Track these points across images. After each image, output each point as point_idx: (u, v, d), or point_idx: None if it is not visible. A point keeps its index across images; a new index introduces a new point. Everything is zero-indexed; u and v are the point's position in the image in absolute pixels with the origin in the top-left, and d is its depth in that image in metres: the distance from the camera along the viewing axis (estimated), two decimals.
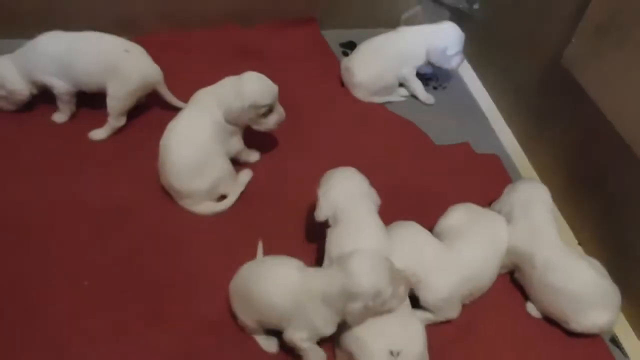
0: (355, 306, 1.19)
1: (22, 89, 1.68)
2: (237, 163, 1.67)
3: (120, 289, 1.39)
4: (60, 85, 1.68)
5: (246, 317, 1.31)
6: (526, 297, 1.52)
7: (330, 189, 1.40)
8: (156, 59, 1.79)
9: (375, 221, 1.39)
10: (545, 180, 1.84)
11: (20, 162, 1.64)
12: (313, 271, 1.27)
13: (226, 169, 1.59)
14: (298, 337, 1.25)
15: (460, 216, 1.51)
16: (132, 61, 1.69)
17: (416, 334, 1.27)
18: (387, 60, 2.00)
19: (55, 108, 1.75)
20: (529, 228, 1.47)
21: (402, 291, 1.24)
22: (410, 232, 1.44)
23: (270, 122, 1.63)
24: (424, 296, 1.39)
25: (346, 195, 1.39)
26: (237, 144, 1.64)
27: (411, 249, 1.39)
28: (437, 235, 1.50)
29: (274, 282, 1.26)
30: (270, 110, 1.60)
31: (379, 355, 1.21)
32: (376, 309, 1.22)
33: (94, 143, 1.71)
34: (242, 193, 1.63)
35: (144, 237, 1.50)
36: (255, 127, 1.63)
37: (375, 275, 1.19)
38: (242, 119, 1.58)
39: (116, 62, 1.66)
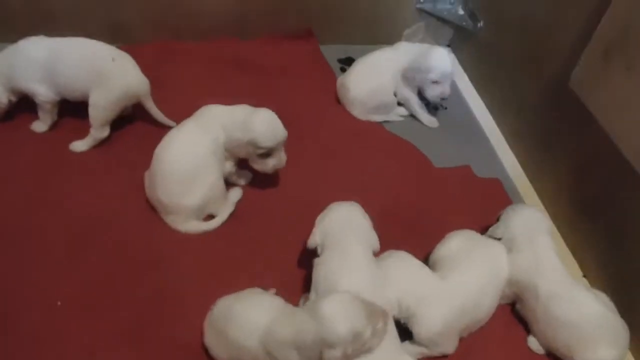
0: (335, 353, 1.12)
1: (0, 97, 1.61)
2: (227, 182, 1.61)
3: (96, 307, 1.33)
4: (43, 93, 1.62)
5: (221, 353, 1.24)
6: (528, 330, 1.45)
7: (326, 217, 1.36)
8: (148, 68, 1.75)
9: (365, 255, 1.32)
10: (548, 206, 1.79)
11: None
12: (284, 317, 1.18)
13: (218, 188, 1.53)
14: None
15: (457, 244, 1.45)
16: (118, 70, 1.62)
17: None
18: (383, 76, 1.96)
19: (35, 116, 1.69)
20: (533, 258, 1.41)
21: (381, 327, 1.17)
22: (402, 264, 1.38)
23: (267, 165, 1.58)
24: (417, 331, 1.32)
25: (341, 226, 1.34)
26: (229, 166, 1.58)
27: (403, 282, 1.33)
28: (434, 264, 1.44)
29: (243, 327, 1.19)
30: (269, 153, 1.55)
31: None
32: (356, 352, 1.14)
33: (75, 154, 1.65)
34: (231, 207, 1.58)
35: (124, 254, 1.44)
36: (251, 163, 1.58)
37: (350, 318, 1.12)
38: (239, 151, 1.54)
39: (100, 69, 1.60)
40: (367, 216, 1.40)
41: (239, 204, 1.60)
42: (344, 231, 1.33)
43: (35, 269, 1.38)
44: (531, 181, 1.90)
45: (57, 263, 1.40)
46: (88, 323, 1.30)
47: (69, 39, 1.63)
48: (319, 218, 1.37)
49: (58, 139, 1.67)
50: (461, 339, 1.38)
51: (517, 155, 1.98)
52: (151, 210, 1.54)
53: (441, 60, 1.91)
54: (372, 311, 1.16)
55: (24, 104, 1.68)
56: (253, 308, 1.22)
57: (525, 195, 1.84)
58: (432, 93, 1.95)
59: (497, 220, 1.53)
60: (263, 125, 1.50)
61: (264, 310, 1.21)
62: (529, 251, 1.42)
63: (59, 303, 1.33)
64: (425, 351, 1.33)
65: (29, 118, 1.70)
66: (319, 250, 1.33)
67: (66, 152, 1.65)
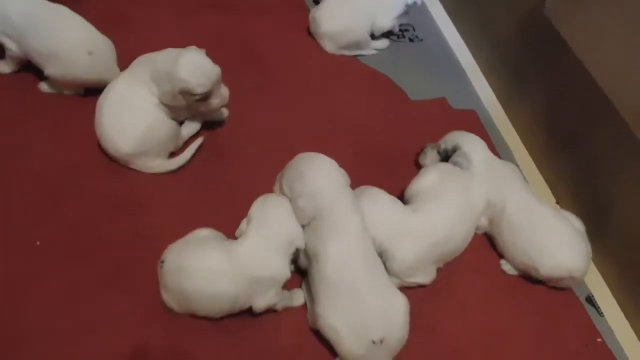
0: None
1: None
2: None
3: (73, 250, 1.33)
4: (12, 49, 1.54)
5: (183, 310, 1.26)
6: (501, 256, 1.50)
7: (307, 188, 1.27)
8: (113, 7, 1.67)
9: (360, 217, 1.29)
10: (523, 136, 1.81)
11: None
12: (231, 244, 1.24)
13: (157, 127, 1.45)
14: (267, 302, 1.24)
15: (433, 178, 1.46)
16: (89, 65, 1.53)
17: (399, 317, 1.24)
18: (356, 13, 1.89)
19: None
20: (496, 178, 1.48)
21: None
22: (373, 199, 1.39)
23: (211, 106, 1.47)
24: (390, 265, 1.34)
25: (329, 194, 1.27)
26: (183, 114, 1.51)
27: (374, 219, 1.33)
28: (410, 198, 1.45)
29: (208, 280, 1.21)
30: (207, 96, 1.44)
31: (359, 347, 1.20)
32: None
33: (41, 100, 1.58)
34: (204, 150, 1.55)
35: (97, 198, 1.43)
36: (192, 111, 1.50)
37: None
38: (174, 103, 1.43)
39: (69, 59, 1.51)
40: (332, 161, 1.34)
41: (210, 142, 1.57)
42: (334, 197, 1.27)
43: (12, 213, 1.37)
44: (507, 112, 1.91)
45: (34, 209, 1.38)
46: (67, 267, 1.30)
47: (52, 8, 1.53)
48: (292, 184, 1.30)
49: (23, 83, 1.60)
50: (439, 269, 1.42)
51: (493, 87, 1.98)
52: None
53: None
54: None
55: None
56: (203, 257, 1.23)
57: (500, 126, 1.85)
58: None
59: (448, 148, 1.55)
60: (190, 71, 1.38)
61: (211, 250, 1.24)
62: (490, 172, 1.48)
63: (37, 243, 1.33)
64: (402, 283, 1.36)
65: None
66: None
67: (32, 97, 1.59)
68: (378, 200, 1.39)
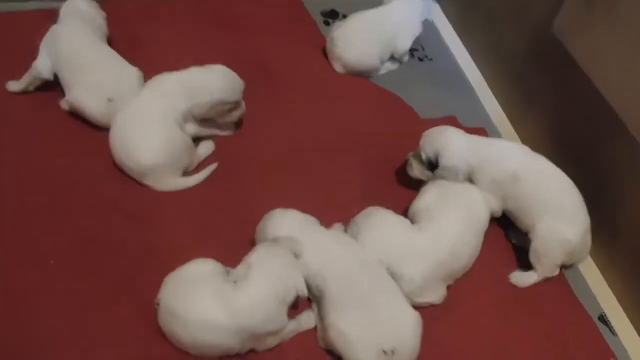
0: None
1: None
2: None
3: (84, 262, 1.35)
4: (44, 66, 1.59)
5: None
6: (513, 268, 1.50)
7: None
8: (128, 26, 1.71)
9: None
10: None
11: None
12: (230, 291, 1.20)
13: (175, 142, 1.50)
14: (268, 347, 1.24)
15: (431, 196, 1.45)
16: (102, 111, 1.57)
17: (410, 328, 1.24)
18: (372, 42, 1.91)
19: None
20: (489, 157, 1.49)
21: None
22: (380, 221, 1.39)
23: (233, 117, 1.60)
24: (400, 286, 1.33)
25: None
26: (192, 129, 1.56)
27: (380, 242, 1.35)
28: (414, 215, 1.45)
29: (201, 331, 1.18)
30: (235, 106, 1.57)
31: (369, 356, 1.19)
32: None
33: (52, 115, 1.61)
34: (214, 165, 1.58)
35: (108, 212, 1.45)
36: (219, 119, 1.59)
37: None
38: (207, 114, 1.54)
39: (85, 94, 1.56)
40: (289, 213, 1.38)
41: (222, 157, 1.60)
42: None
43: (26, 230, 1.39)
44: (515, 129, 1.91)
45: (46, 223, 1.40)
46: (77, 279, 1.32)
47: (99, 52, 1.61)
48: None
49: (40, 99, 1.64)
50: (449, 287, 1.41)
51: (502, 104, 1.98)
52: None
53: None
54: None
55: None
56: (197, 308, 1.19)
57: None
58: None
59: (430, 157, 1.52)
60: (224, 82, 1.52)
61: (206, 297, 1.19)
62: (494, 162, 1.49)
63: (51, 261, 1.34)
64: (413, 303, 1.34)
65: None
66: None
67: (48, 113, 1.62)
68: (385, 222, 1.40)
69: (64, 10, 1.65)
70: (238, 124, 1.67)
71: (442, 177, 1.49)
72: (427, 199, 1.45)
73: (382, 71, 1.98)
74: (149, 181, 1.50)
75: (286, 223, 1.33)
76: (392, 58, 2.00)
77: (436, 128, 1.55)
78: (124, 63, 1.63)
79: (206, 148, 1.61)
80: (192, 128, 1.56)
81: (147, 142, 1.47)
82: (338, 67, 1.94)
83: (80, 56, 1.58)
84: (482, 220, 1.44)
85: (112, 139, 1.50)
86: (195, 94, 1.50)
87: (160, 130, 1.48)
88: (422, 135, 1.55)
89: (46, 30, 1.62)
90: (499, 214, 1.50)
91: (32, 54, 1.61)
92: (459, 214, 1.41)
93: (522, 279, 1.47)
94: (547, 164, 1.50)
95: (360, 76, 1.94)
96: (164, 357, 1.24)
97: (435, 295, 1.38)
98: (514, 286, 1.47)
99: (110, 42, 1.69)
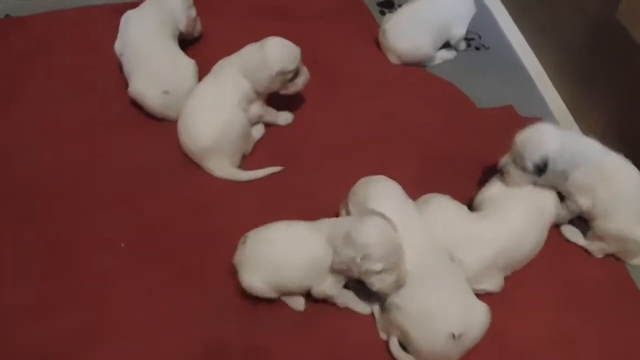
0: (345, 253, 1.20)
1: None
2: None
3: (151, 250, 1.42)
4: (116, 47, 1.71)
5: (263, 284, 1.29)
6: (575, 264, 1.48)
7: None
8: None
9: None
10: None
11: (50, 125, 1.65)
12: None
13: (235, 125, 1.56)
14: (326, 287, 1.27)
15: (501, 186, 1.45)
16: (159, 102, 1.64)
17: (481, 315, 1.25)
18: (425, 30, 1.90)
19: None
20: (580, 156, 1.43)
21: (390, 279, 1.22)
22: (439, 207, 1.40)
23: (298, 85, 1.62)
24: None
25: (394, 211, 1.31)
26: (257, 109, 1.62)
27: (440, 225, 1.35)
28: (479, 205, 1.45)
29: (293, 244, 1.28)
30: (296, 73, 1.59)
31: (437, 339, 1.21)
32: (355, 271, 1.22)
33: (121, 109, 1.69)
34: (273, 156, 1.62)
35: (173, 201, 1.51)
36: (283, 91, 1.62)
37: (379, 239, 1.19)
38: (271, 87, 1.58)
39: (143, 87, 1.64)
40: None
41: (278, 148, 1.65)
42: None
43: (97, 214, 1.47)
44: (576, 119, 1.87)
45: (115, 208, 1.49)
46: (145, 266, 1.39)
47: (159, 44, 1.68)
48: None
49: (106, 89, 1.72)
50: (507, 277, 1.41)
51: (561, 93, 1.94)
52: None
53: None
54: (399, 260, 1.22)
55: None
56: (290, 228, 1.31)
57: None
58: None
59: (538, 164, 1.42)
60: (279, 52, 1.54)
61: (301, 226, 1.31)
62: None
63: (122, 244, 1.42)
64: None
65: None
66: None
67: (113, 103, 1.70)
68: (444, 208, 1.40)
69: None
70: (289, 115, 1.72)
71: (549, 182, 1.43)
72: (497, 188, 1.45)
73: (437, 60, 1.97)
74: (208, 164, 1.56)
75: (391, 194, 1.35)
76: (448, 46, 1.98)
77: (532, 130, 1.43)
78: (180, 55, 1.68)
79: (258, 132, 1.66)
80: (257, 108, 1.61)
81: (207, 124, 1.53)
82: (392, 58, 1.94)
83: (142, 46, 1.65)
84: (549, 217, 1.43)
85: (179, 124, 1.57)
86: (255, 70, 1.54)
87: (221, 114, 1.54)
88: (516, 140, 1.44)
89: (114, 24, 1.69)
90: (575, 214, 1.48)
91: (100, 48, 1.68)
92: (526, 206, 1.40)
93: (572, 234, 1.49)
94: (625, 162, 1.45)
95: (416, 66, 1.94)
96: (230, 341, 1.29)
97: (493, 283, 1.38)
98: (576, 280, 1.46)
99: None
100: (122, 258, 1.40)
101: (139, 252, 1.41)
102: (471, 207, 1.47)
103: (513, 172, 1.44)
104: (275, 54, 1.54)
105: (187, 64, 1.67)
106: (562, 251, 1.50)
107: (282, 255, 1.27)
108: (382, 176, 1.38)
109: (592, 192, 1.42)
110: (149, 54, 1.64)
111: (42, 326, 1.27)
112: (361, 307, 1.34)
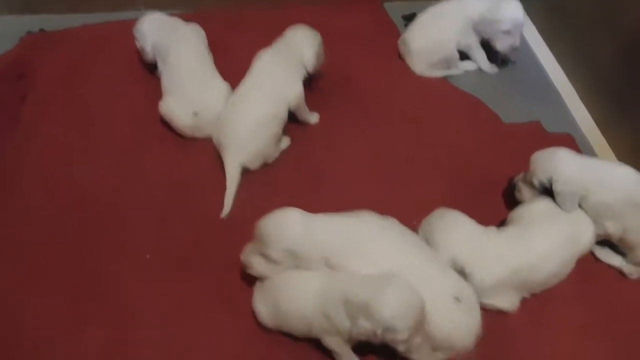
0: (365, 325, 1.15)
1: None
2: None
3: (181, 267, 1.43)
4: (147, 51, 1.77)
5: (270, 320, 1.30)
6: (601, 293, 1.44)
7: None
8: (213, 36, 1.79)
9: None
10: (626, 163, 1.72)
11: (83, 141, 1.68)
12: (341, 274, 1.24)
13: (274, 130, 1.62)
14: (329, 340, 1.24)
15: (543, 207, 1.41)
16: (188, 124, 1.67)
17: None
18: (446, 29, 1.92)
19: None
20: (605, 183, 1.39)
21: (416, 342, 1.17)
22: (452, 221, 1.39)
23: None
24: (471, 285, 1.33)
25: None
26: (299, 88, 1.67)
27: (454, 239, 1.35)
28: (511, 221, 1.43)
29: (296, 289, 1.25)
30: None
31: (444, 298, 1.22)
32: (380, 339, 1.16)
33: (153, 127, 1.71)
34: (298, 168, 1.64)
35: (203, 218, 1.52)
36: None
37: (404, 314, 1.13)
38: (318, 62, 1.73)
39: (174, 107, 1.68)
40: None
41: (303, 162, 1.66)
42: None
43: (127, 229, 1.49)
44: (606, 137, 1.84)
45: (147, 224, 1.50)
46: (173, 281, 1.40)
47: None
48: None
49: (137, 109, 1.75)
50: (534, 298, 1.39)
51: (591, 111, 1.91)
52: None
53: (513, 11, 1.87)
54: (421, 322, 1.17)
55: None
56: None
57: (599, 152, 1.79)
58: (503, 44, 1.91)
59: (543, 182, 1.42)
60: (307, 38, 1.72)
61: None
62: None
63: (147, 256, 1.44)
64: (480, 302, 1.33)
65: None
66: None
67: (145, 121, 1.72)
68: (457, 222, 1.39)
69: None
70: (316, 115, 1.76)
71: (560, 204, 1.41)
72: (535, 208, 1.42)
73: (458, 71, 1.98)
74: (228, 154, 1.57)
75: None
76: (469, 58, 1.99)
77: (546, 151, 1.45)
78: (215, 77, 1.70)
79: (284, 142, 1.68)
80: (299, 87, 1.67)
81: (244, 117, 1.58)
82: (417, 65, 1.95)
83: (182, 67, 1.68)
84: (581, 248, 1.40)
85: (219, 120, 1.62)
86: (289, 59, 1.65)
87: (261, 110, 1.59)
88: (531, 159, 1.46)
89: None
90: (601, 237, 1.45)
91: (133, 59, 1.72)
92: (557, 231, 1.37)
93: (606, 256, 1.46)
94: None
95: (441, 72, 1.95)
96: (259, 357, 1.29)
97: (506, 302, 1.36)
98: (608, 304, 1.43)
99: None
100: (152, 273, 1.41)
101: (166, 268, 1.42)
102: (503, 222, 1.46)
103: (522, 187, 1.48)
104: (302, 39, 1.70)
105: (220, 87, 1.68)
106: (594, 274, 1.47)
107: (288, 304, 1.26)
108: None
109: (623, 219, 1.39)
110: (187, 76, 1.67)
111: (72, 340, 1.29)
112: None
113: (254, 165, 1.60)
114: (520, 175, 1.50)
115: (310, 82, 1.74)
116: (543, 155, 1.45)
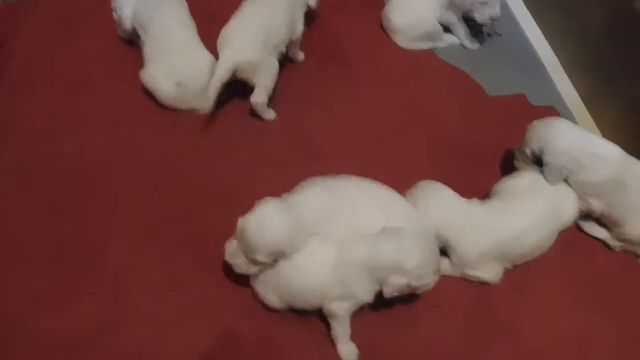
0: (399, 281, 1.18)
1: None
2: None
3: (174, 239, 1.41)
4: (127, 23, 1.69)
5: (275, 301, 1.28)
6: (584, 267, 1.46)
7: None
8: (195, 4, 1.74)
9: None
10: (608, 136, 1.74)
11: (69, 114, 1.64)
12: (355, 240, 1.23)
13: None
14: (338, 306, 1.24)
15: (527, 180, 1.42)
16: (172, 94, 1.63)
17: None
18: (427, 4, 1.90)
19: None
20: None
21: (437, 271, 1.24)
22: (435, 194, 1.39)
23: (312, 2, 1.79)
24: (451, 255, 1.36)
25: None
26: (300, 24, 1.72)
27: (437, 210, 1.35)
28: (495, 194, 1.43)
29: (311, 268, 1.24)
30: None
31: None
32: (414, 287, 1.21)
33: (140, 103, 1.66)
34: (292, 145, 1.62)
35: (194, 192, 1.50)
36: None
37: (429, 259, 1.20)
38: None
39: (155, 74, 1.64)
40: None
41: (296, 135, 1.63)
42: None
43: (119, 203, 1.46)
44: (590, 111, 1.85)
45: (134, 201, 1.47)
46: (167, 256, 1.38)
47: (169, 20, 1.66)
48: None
49: (124, 84, 1.69)
50: (518, 268, 1.40)
51: (576, 84, 1.92)
52: (215, 148, 1.58)
53: None
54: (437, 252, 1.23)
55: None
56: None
57: (583, 126, 1.75)
58: (482, 15, 1.87)
59: (535, 152, 1.42)
60: None
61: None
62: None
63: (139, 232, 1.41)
64: (464, 273, 1.37)
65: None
66: None
67: (133, 96, 1.67)
68: (441, 195, 1.39)
69: None
70: (304, 100, 1.72)
71: (546, 175, 1.41)
72: (519, 181, 1.42)
73: (443, 44, 1.96)
74: (224, 53, 1.56)
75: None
76: (449, 31, 1.97)
77: (543, 121, 1.43)
78: (199, 48, 1.65)
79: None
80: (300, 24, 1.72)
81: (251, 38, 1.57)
82: (400, 40, 1.93)
83: (165, 37, 1.62)
84: (564, 221, 1.41)
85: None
86: None
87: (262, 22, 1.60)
88: (528, 127, 1.46)
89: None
90: (583, 213, 1.47)
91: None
92: (540, 204, 1.38)
93: (591, 228, 1.48)
94: None
95: (424, 45, 1.93)
96: (248, 333, 1.29)
97: (489, 273, 1.37)
98: (592, 275, 1.44)
99: None
100: (143, 246, 1.39)
101: (159, 240, 1.40)
102: (487, 194, 1.46)
103: (520, 158, 1.48)
104: None
105: (204, 57, 1.63)
106: (577, 245, 1.48)
107: (303, 284, 1.25)
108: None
109: (608, 197, 1.40)
110: (170, 45, 1.61)
111: (63, 313, 1.27)
112: (348, 348, 1.28)
113: (245, 71, 1.58)
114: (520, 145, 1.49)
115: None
116: (540, 124, 1.43)
